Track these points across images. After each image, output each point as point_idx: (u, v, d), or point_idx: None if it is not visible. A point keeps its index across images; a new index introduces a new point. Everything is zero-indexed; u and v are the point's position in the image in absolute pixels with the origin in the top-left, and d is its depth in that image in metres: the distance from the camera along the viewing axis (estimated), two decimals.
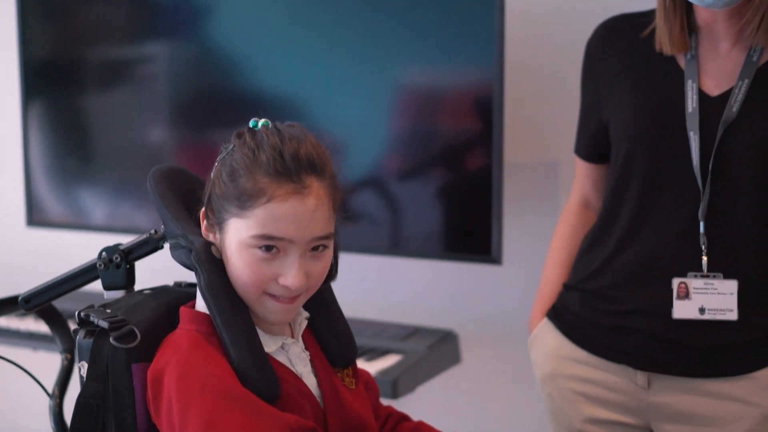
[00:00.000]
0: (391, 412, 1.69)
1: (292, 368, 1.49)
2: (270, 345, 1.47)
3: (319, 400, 1.50)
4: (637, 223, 1.86)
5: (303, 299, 1.47)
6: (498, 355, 2.74)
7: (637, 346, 1.85)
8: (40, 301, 1.68)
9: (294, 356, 1.51)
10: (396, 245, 2.58)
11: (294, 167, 1.39)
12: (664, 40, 1.84)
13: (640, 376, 1.86)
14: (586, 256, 1.97)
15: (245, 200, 1.39)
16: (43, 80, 3.00)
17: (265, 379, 1.40)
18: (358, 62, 2.55)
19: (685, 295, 1.80)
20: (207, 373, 1.37)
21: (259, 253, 1.40)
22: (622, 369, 1.88)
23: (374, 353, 2.44)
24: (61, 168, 3.00)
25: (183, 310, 1.49)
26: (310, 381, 1.51)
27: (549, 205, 2.63)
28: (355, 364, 1.62)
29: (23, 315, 2.78)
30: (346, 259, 2.78)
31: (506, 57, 2.46)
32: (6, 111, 3.28)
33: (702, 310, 1.80)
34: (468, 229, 2.48)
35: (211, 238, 1.47)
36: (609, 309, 1.89)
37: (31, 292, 1.68)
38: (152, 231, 1.62)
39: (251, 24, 2.68)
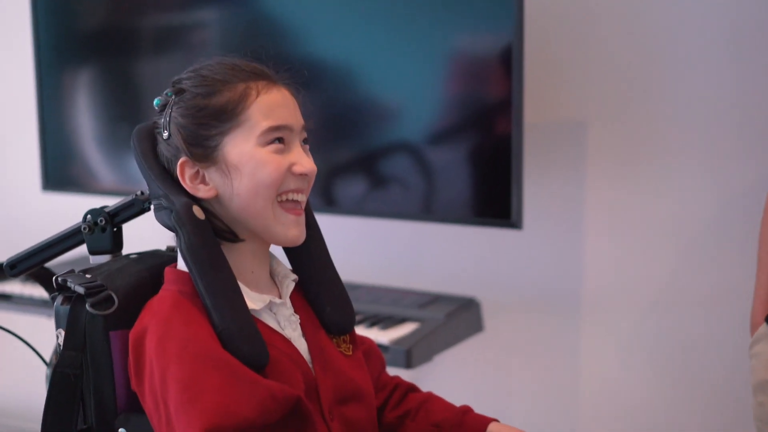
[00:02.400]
0: (398, 383, 1.63)
1: (281, 331, 1.42)
2: (257, 302, 1.40)
3: (310, 366, 1.43)
4: None
5: (303, 209, 1.45)
6: (521, 324, 2.66)
7: None
8: (25, 267, 1.61)
9: (283, 319, 1.44)
10: (412, 210, 2.48)
11: (255, 68, 1.44)
12: None
13: None
14: None
15: (234, 107, 1.39)
16: (92, 48, 2.95)
17: (252, 347, 1.33)
18: (394, 29, 2.44)
19: None
20: (187, 336, 1.31)
21: (272, 147, 1.39)
22: None
23: (390, 321, 2.36)
24: (111, 135, 2.95)
25: (167, 270, 1.43)
26: (301, 345, 1.44)
27: (574, 169, 2.52)
28: (353, 332, 1.55)
29: (24, 281, 2.74)
30: (372, 225, 2.75)
31: (528, 12, 2.35)
32: (24, 75, 3.23)
33: None
34: (488, 194, 2.38)
35: (202, 191, 1.40)
36: None
37: (16, 257, 1.61)
38: (138, 192, 1.55)
39: None
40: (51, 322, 2.57)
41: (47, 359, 1.92)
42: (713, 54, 2.33)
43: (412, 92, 2.45)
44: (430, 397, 1.61)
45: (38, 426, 1.39)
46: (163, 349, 1.30)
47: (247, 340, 1.33)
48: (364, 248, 2.80)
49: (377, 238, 2.79)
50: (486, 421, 1.56)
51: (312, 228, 1.53)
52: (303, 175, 1.41)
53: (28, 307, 2.71)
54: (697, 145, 2.38)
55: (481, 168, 2.40)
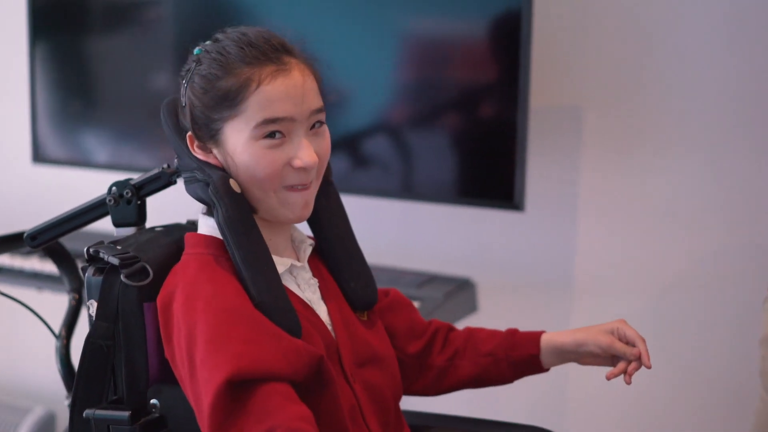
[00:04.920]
0: (438, 326, 1.65)
1: (301, 294, 1.44)
2: (279, 266, 1.42)
3: (329, 328, 1.45)
4: None
5: (315, 187, 1.43)
6: (515, 306, 2.68)
7: None
8: (47, 238, 1.61)
9: (303, 282, 1.47)
10: (410, 189, 2.50)
11: (268, 50, 1.38)
12: None
13: None
14: None
15: (234, 96, 1.36)
16: (49, 21, 2.92)
17: (286, 320, 1.35)
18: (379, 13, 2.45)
19: None
20: (213, 292, 1.32)
21: (266, 142, 1.36)
22: None
23: None
24: (65, 109, 2.93)
25: (188, 236, 1.44)
26: (321, 308, 1.47)
27: (570, 153, 2.54)
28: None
29: (28, 253, 2.71)
30: (360, 203, 2.76)
31: None
32: (14, 50, 3.19)
33: None
34: (490, 175, 2.40)
35: (212, 159, 1.41)
36: None
37: (38, 228, 1.61)
38: (165, 165, 1.55)
39: None
40: (56, 296, 2.57)
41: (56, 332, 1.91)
42: (710, 42, 2.36)
43: (417, 73, 2.46)
44: (472, 332, 1.64)
45: (48, 405, 1.38)
46: (191, 308, 1.31)
47: (281, 312, 1.35)
48: (360, 228, 2.80)
49: (372, 219, 2.80)
50: (536, 335, 1.61)
51: (336, 204, 1.55)
52: (303, 169, 1.38)
53: (31, 281, 2.69)
54: (692, 132, 2.41)
55: (484, 149, 2.42)
